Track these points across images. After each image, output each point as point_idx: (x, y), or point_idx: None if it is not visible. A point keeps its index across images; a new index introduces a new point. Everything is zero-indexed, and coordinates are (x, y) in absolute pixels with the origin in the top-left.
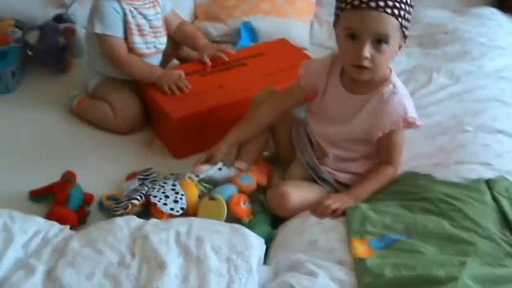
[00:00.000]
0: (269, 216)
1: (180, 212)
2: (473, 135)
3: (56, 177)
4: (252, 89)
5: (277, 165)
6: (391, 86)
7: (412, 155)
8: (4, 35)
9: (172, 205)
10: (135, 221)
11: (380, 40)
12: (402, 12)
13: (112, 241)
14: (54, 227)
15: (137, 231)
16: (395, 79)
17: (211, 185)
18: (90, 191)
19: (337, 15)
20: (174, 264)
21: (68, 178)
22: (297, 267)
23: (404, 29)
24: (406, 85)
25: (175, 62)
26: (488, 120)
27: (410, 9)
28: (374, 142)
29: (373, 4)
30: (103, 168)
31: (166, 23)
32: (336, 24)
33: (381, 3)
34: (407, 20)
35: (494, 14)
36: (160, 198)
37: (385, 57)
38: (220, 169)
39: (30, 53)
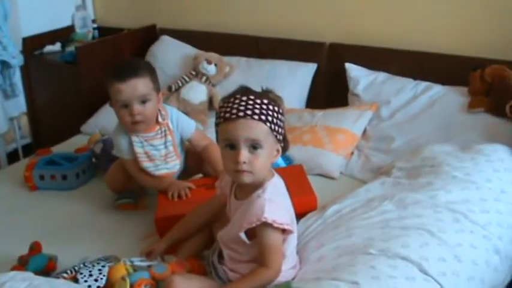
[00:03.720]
0: None
1: None
2: (371, 258)
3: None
4: None
5: None
6: (260, 191)
7: (317, 269)
8: (88, 145)
9: (91, 283)
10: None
11: (254, 146)
12: (270, 118)
13: None
14: None
15: None
16: (271, 185)
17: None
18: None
19: (216, 132)
20: None
21: (32, 247)
22: None
23: (276, 134)
24: (356, 211)
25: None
26: (397, 247)
27: (279, 115)
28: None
29: (241, 114)
30: (94, 248)
31: (192, 142)
32: (217, 140)
33: (248, 112)
34: (278, 126)
35: (496, 151)
36: (84, 275)
37: (261, 160)
38: (149, 266)
39: (94, 160)
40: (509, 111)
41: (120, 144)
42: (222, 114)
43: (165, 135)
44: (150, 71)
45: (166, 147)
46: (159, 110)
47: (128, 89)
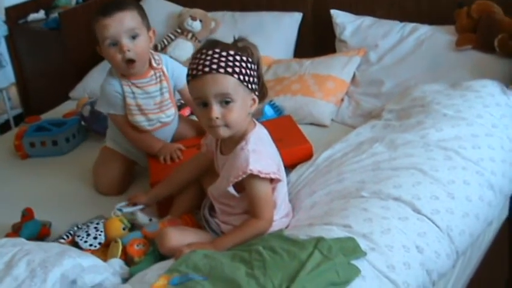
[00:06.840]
0: (156, 258)
1: (98, 246)
2: (363, 201)
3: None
4: None
5: None
6: (243, 143)
7: (309, 216)
8: (77, 109)
9: (92, 241)
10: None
11: (226, 100)
12: (237, 69)
13: None
14: None
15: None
16: (253, 135)
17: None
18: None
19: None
20: None
21: (24, 213)
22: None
23: (247, 84)
24: (347, 155)
25: None
26: (389, 188)
27: (249, 64)
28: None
29: (207, 69)
30: (87, 212)
31: (183, 94)
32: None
33: (214, 66)
34: (248, 75)
35: (485, 87)
36: (83, 237)
37: (235, 113)
38: (141, 209)
39: (83, 123)
40: (497, 45)
41: (112, 96)
42: (189, 72)
43: (161, 81)
44: (137, 6)
45: (162, 93)
46: (152, 53)
47: (114, 23)
